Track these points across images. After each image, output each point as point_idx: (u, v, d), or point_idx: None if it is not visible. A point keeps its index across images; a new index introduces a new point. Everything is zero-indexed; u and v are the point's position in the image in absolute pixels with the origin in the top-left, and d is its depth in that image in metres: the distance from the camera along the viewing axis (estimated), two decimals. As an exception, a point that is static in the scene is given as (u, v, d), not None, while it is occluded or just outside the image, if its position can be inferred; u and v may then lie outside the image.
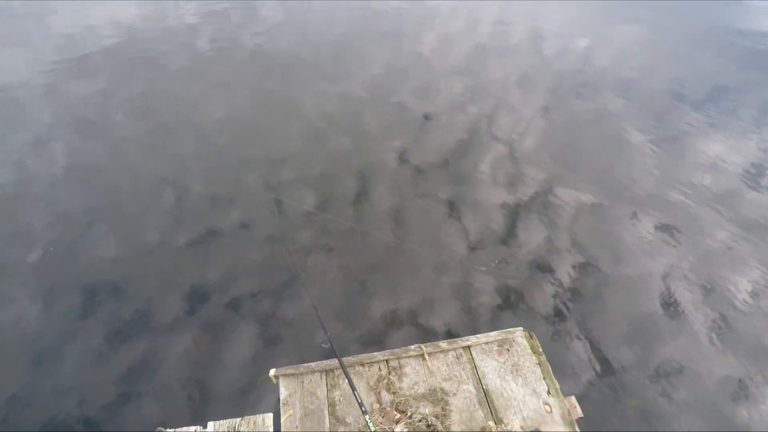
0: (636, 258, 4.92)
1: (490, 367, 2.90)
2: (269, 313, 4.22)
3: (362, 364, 2.87)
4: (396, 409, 2.63)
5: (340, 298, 4.36)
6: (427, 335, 4.05)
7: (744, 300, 4.52)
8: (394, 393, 2.73)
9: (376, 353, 2.91)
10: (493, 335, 3.05)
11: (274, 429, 2.59)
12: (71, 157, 5.76)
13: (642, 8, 10.72)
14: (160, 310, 4.18)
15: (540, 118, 6.93)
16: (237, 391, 3.66)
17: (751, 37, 9.78)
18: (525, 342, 3.04)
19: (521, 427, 2.60)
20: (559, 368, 3.52)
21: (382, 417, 2.60)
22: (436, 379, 2.82)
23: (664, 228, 5.26)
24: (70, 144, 5.95)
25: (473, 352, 2.96)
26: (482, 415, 2.67)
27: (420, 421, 2.56)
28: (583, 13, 10.41)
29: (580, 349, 4.08)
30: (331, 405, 2.68)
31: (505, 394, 2.77)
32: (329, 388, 2.75)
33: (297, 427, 2.59)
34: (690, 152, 6.42)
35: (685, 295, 4.57)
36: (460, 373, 2.86)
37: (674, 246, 5.06)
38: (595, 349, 4.10)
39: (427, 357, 2.89)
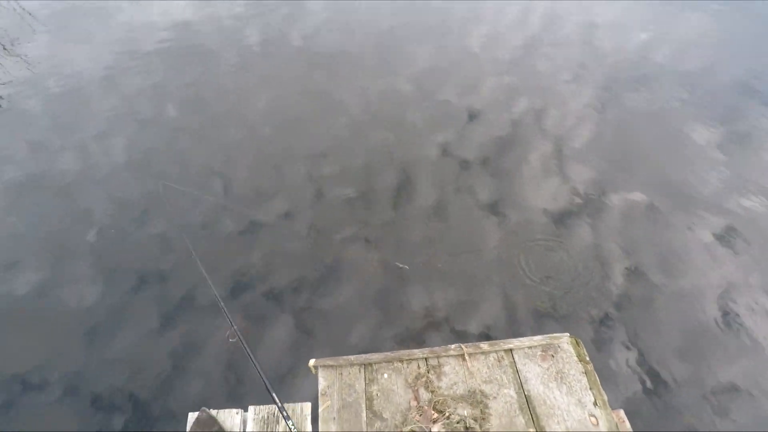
0: (694, 267, 4.56)
1: (533, 373, 2.78)
2: (305, 306, 4.29)
3: (401, 361, 2.84)
4: (434, 409, 2.58)
5: (375, 293, 4.37)
6: (465, 336, 3.97)
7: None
8: (432, 392, 2.68)
9: (415, 350, 2.86)
10: (537, 339, 2.92)
11: (311, 418, 2.62)
12: (129, 147, 6.10)
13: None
14: (204, 294, 4.34)
15: (592, 114, 6.55)
16: (274, 377, 3.75)
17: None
18: (571, 349, 2.89)
19: (565, 438, 2.48)
20: (606, 379, 3.34)
21: (420, 415, 2.56)
22: (476, 380, 2.74)
23: (727, 236, 4.84)
24: (127, 135, 6.30)
25: (515, 356, 2.86)
26: (523, 421, 2.57)
27: (458, 422, 2.50)
28: (642, 2, 9.73)
29: (629, 360, 3.85)
30: (369, 399, 2.67)
31: (548, 402, 2.65)
32: (367, 382, 2.75)
33: (334, 418, 2.61)
34: (761, 153, 5.87)
35: (748, 311, 4.20)
36: (501, 377, 2.76)
37: (738, 256, 4.65)
38: (645, 361, 3.86)
39: (467, 357, 2.82)
